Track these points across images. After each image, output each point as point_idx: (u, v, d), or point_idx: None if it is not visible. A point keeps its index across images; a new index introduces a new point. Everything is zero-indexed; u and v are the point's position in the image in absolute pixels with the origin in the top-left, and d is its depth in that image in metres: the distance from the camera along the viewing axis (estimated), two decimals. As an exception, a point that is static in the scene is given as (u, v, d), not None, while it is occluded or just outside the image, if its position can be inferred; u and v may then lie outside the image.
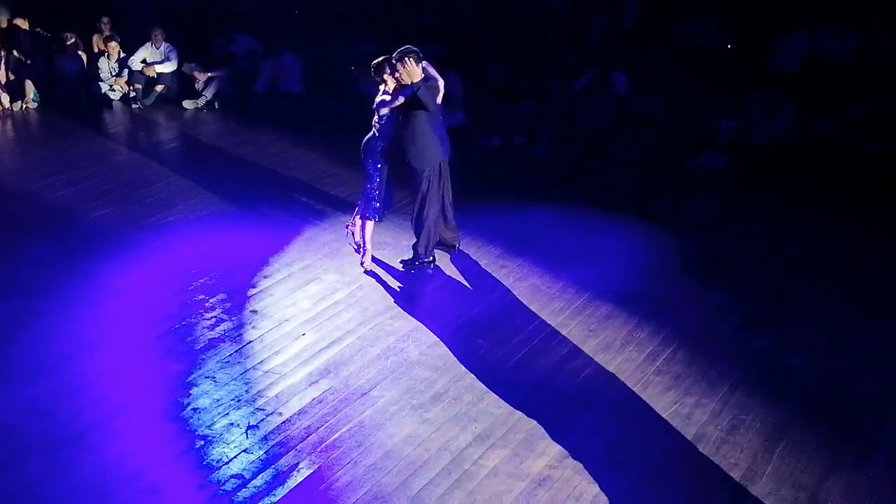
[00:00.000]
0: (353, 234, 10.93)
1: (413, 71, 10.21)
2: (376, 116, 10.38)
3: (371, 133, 10.46)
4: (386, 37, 16.83)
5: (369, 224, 10.66)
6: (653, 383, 8.47)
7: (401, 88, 10.28)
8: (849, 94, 13.71)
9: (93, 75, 17.53)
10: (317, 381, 8.57)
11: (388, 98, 10.29)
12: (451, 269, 10.73)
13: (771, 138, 13.44)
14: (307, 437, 7.79)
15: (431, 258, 10.80)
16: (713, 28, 15.68)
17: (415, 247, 10.75)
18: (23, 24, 17.37)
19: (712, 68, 14.64)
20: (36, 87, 17.03)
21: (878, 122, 13.25)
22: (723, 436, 7.75)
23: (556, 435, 7.77)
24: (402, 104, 10.22)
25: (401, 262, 10.83)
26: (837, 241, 11.47)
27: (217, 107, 16.96)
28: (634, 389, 8.38)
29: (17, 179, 13.65)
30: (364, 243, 10.74)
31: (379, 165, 10.46)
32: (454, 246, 11.10)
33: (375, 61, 10.42)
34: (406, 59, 10.21)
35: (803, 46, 14.84)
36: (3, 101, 16.74)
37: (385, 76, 10.32)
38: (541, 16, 17.05)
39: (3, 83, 16.87)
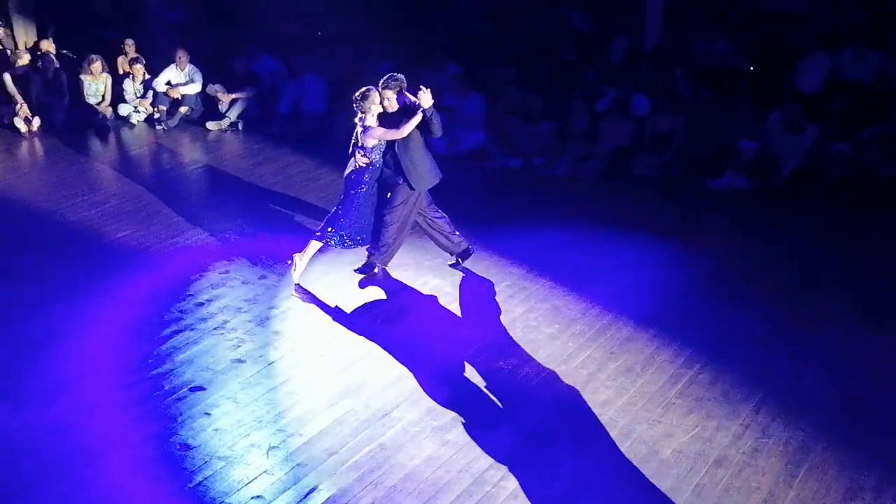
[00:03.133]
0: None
1: (394, 100, 10.34)
2: (361, 147, 10.35)
3: (353, 164, 10.47)
4: (407, 56, 16.96)
5: (316, 244, 10.74)
6: (674, 406, 8.46)
7: (387, 116, 10.34)
8: (865, 116, 13.68)
9: (117, 97, 17.63)
10: (337, 403, 8.58)
11: (373, 126, 10.28)
12: (472, 290, 10.74)
13: (793, 161, 13.42)
14: (328, 458, 7.81)
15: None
16: (734, 49, 15.68)
17: (372, 257, 10.92)
18: (49, 46, 17.48)
19: (733, 89, 14.63)
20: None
21: (893, 144, 13.22)
22: (745, 459, 7.74)
23: (576, 458, 7.78)
24: (406, 130, 10.25)
25: (355, 270, 11.04)
26: (855, 259, 11.49)
27: (240, 128, 17.02)
28: (656, 413, 8.37)
29: (42, 200, 13.71)
30: (302, 258, 10.79)
31: (365, 194, 10.53)
32: (468, 251, 11.21)
33: (361, 91, 10.37)
34: (390, 87, 10.31)
35: (824, 68, 14.82)
36: (33, 122, 16.82)
37: (370, 105, 10.28)
38: (561, 35, 17.08)
39: (31, 104, 16.97)
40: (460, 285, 10.85)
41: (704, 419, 8.26)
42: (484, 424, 8.22)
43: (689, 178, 13.83)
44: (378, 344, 9.59)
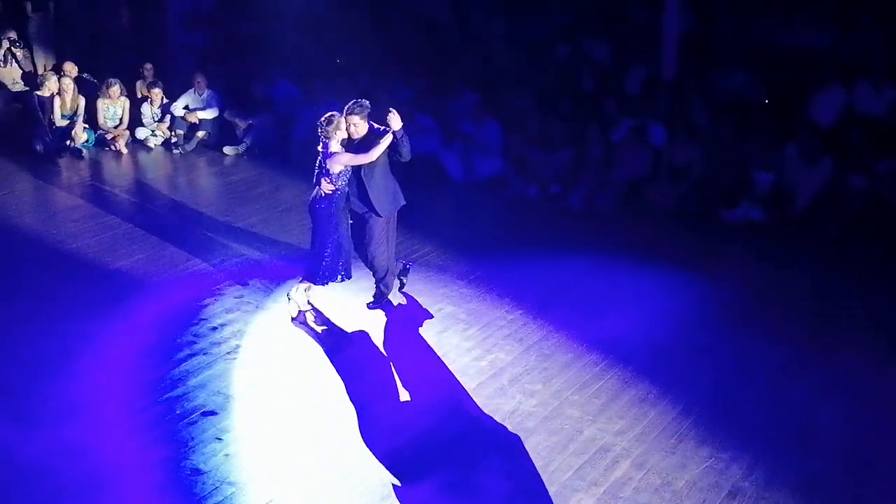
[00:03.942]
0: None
1: (362, 124, 10.23)
2: (326, 174, 10.19)
3: (317, 192, 10.30)
4: (423, 84, 17.02)
5: (318, 288, 10.65)
6: (687, 437, 8.44)
7: (352, 142, 10.24)
8: (882, 149, 13.66)
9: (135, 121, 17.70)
10: (352, 421, 8.62)
11: (338, 151, 10.13)
12: (486, 318, 10.73)
13: (809, 192, 13.41)
14: (342, 481, 7.82)
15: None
16: (750, 81, 15.68)
17: (380, 285, 10.85)
18: (71, 69, 17.56)
19: (749, 120, 14.63)
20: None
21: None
22: (758, 492, 7.72)
23: (589, 488, 7.76)
24: (375, 153, 10.14)
25: (368, 305, 10.95)
26: (871, 291, 11.47)
27: (257, 153, 17.05)
28: (669, 444, 8.35)
29: (58, 220, 13.74)
30: (306, 305, 10.71)
31: (335, 223, 10.35)
32: (403, 282, 11.21)
33: (325, 116, 10.20)
34: (356, 112, 10.17)
35: (839, 100, 14.81)
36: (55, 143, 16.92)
37: (335, 130, 10.12)
38: (579, 65, 17.12)
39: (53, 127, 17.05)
40: (474, 312, 10.84)
41: (718, 451, 8.24)
42: (496, 451, 8.21)
43: (705, 209, 13.80)
44: (391, 371, 9.61)
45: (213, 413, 8.82)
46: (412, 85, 16.99)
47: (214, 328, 10.46)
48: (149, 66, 18.26)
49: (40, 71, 17.95)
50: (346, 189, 10.32)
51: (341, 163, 10.14)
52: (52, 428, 8.55)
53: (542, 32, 17.97)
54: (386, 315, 10.77)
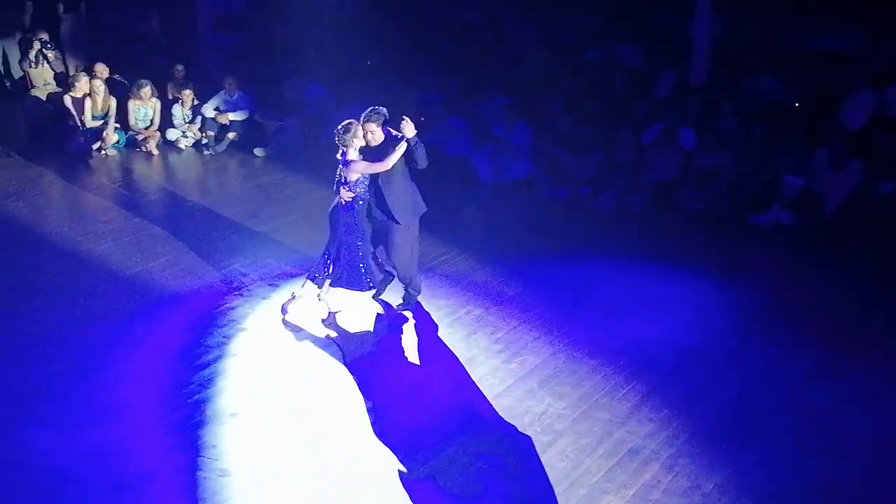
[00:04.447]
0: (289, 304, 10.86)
1: (379, 132, 10.26)
2: (345, 182, 10.23)
3: (338, 201, 10.34)
4: (455, 87, 17.06)
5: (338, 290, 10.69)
6: (716, 441, 8.46)
7: (370, 150, 10.26)
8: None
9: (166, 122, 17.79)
10: (385, 423, 8.64)
11: (356, 159, 10.18)
12: (517, 320, 10.76)
13: (838, 198, 13.37)
14: (370, 481, 7.88)
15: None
16: (780, 84, 15.66)
17: (409, 288, 10.92)
18: (102, 70, 17.66)
19: (779, 124, 14.60)
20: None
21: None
22: (785, 495, 7.72)
23: (618, 491, 7.78)
24: (390, 161, 10.15)
25: (397, 307, 11.00)
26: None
27: (287, 154, 17.09)
28: (697, 447, 8.36)
29: (86, 223, 13.76)
30: (337, 306, 10.77)
31: (359, 231, 10.42)
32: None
33: (342, 125, 10.22)
34: (372, 120, 10.20)
35: (869, 105, 14.76)
36: (86, 144, 17.04)
37: (352, 139, 10.15)
38: (610, 69, 17.13)
39: (85, 127, 17.17)
40: (504, 315, 10.86)
41: (745, 455, 8.27)
42: (529, 453, 8.24)
43: (735, 213, 13.78)
44: (420, 373, 9.71)
45: (241, 416, 8.89)
46: (443, 88, 17.02)
47: (243, 329, 10.51)
48: (180, 67, 18.35)
49: (72, 72, 18.02)
50: (366, 196, 10.36)
51: (358, 171, 10.19)
52: (83, 429, 8.62)
53: (574, 36, 18.00)
54: (415, 317, 10.81)
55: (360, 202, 10.32)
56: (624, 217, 14.09)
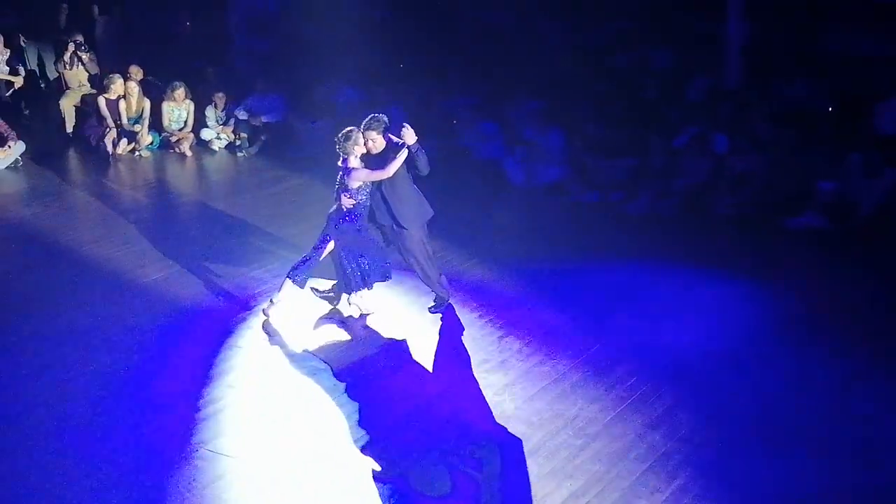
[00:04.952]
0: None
1: (380, 139, 10.29)
2: (346, 189, 10.23)
3: (338, 207, 10.37)
4: (486, 90, 17.09)
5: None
6: (750, 446, 8.43)
7: (371, 158, 10.29)
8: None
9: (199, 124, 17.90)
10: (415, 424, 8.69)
11: (357, 167, 10.18)
12: (548, 323, 10.76)
13: (871, 203, 13.34)
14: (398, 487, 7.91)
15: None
16: (813, 89, 15.61)
17: (435, 291, 10.96)
18: (137, 72, 17.79)
19: (812, 129, 14.56)
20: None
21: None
22: (819, 500, 7.71)
23: (651, 495, 7.80)
24: (392, 169, 10.17)
25: (429, 309, 11.01)
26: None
27: (319, 156, 17.14)
28: (732, 451, 8.35)
29: (119, 225, 13.92)
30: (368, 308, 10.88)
31: (363, 237, 10.47)
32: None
33: (343, 132, 10.21)
34: (373, 128, 10.24)
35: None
36: (120, 144, 17.14)
37: (353, 146, 10.15)
38: (641, 73, 17.13)
39: (121, 128, 17.31)
40: (536, 318, 10.88)
41: (782, 460, 8.24)
42: (559, 458, 8.26)
43: (767, 218, 13.75)
44: (453, 376, 9.69)
45: (275, 414, 8.96)
46: (474, 91, 17.05)
47: (275, 332, 10.59)
48: (213, 69, 18.46)
49: (106, 74, 18.15)
50: (368, 203, 10.39)
51: (359, 179, 10.21)
52: (120, 432, 8.71)
53: (605, 40, 17.99)
54: (446, 320, 10.84)
55: (361, 208, 10.35)
56: (655, 221, 14.07)
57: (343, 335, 10.54)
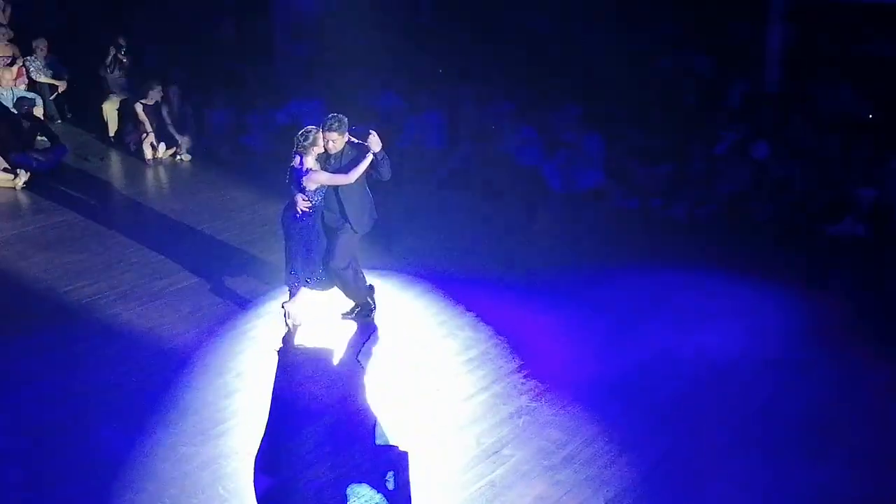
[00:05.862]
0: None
1: (340, 140, 10.15)
2: (302, 191, 10.06)
3: (291, 206, 10.21)
4: (526, 95, 17.07)
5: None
6: (789, 453, 8.40)
7: (328, 158, 10.16)
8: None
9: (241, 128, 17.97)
10: (447, 438, 8.70)
11: (314, 168, 10.01)
12: (585, 328, 10.77)
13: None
14: (439, 492, 7.92)
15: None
16: (855, 94, 15.50)
17: (363, 302, 10.86)
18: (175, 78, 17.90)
19: (853, 135, 14.46)
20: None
21: None
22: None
23: (690, 502, 7.77)
24: (354, 175, 10.07)
25: (341, 315, 10.89)
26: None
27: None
28: (769, 459, 8.31)
29: (155, 229, 14.04)
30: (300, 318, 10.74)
31: (314, 237, 10.28)
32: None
33: (303, 131, 10.06)
34: (334, 129, 10.08)
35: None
36: (158, 149, 17.23)
37: (311, 146, 9.99)
38: (682, 78, 17.06)
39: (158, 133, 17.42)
40: (574, 323, 10.86)
41: (821, 467, 8.20)
42: (595, 466, 8.24)
43: (807, 224, 13.67)
44: (490, 381, 9.70)
45: (315, 425, 9.01)
46: (515, 96, 17.04)
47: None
48: (253, 74, 18.54)
49: (145, 79, 18.24)
50: (322, 205, 10.26)
51: (319, 182, 10.06)
52: (152, 429, 8.80)
53: (645, 45, 17.92)
54: (478, 324, 10.84)
55: (315, 209, 10.21)
56: (695, 227, 14.01)
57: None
